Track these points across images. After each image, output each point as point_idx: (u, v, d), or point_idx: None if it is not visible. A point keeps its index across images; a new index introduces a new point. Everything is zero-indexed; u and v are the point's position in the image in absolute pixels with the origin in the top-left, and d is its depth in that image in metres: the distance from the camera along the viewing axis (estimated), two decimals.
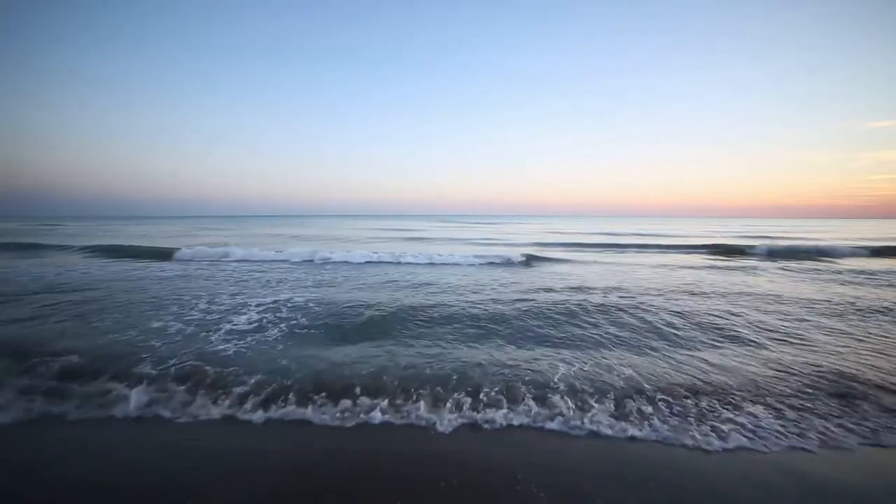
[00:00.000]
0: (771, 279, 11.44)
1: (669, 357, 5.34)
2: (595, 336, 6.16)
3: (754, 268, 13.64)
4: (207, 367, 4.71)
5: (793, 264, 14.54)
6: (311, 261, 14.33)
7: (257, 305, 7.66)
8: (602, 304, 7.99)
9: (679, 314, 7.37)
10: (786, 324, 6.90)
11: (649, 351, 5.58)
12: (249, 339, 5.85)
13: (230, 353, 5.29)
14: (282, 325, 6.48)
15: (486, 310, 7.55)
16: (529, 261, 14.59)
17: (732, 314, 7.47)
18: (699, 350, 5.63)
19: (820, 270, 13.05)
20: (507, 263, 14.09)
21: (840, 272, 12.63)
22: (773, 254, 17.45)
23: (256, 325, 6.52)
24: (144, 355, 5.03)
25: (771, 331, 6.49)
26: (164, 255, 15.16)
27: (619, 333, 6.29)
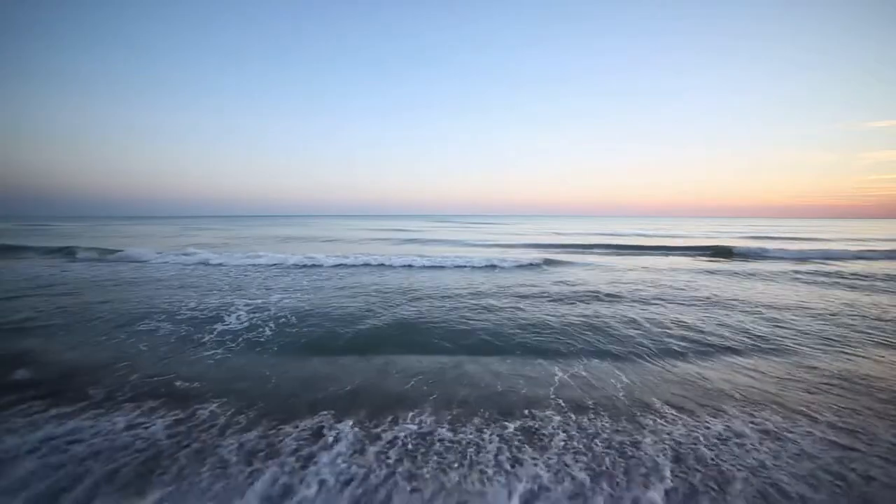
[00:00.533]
0: (789, 286, 11.03)
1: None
2: (594, 348, 5.70)
3: (763, 272, 13.25)
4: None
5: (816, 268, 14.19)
6: (304, 265, 13.71)
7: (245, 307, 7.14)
8: (604, 314, 7.57)
9: (718, 323, 6.91)
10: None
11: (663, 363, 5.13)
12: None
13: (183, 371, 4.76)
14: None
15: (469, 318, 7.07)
16: (530, 263, 14.02)
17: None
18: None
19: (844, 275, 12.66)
20: (504, 266, 13.51)
21: (848, 276, 12.25)
22: (786, 258, 16.91)
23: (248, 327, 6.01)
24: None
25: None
26: (135, 258, 14.43)
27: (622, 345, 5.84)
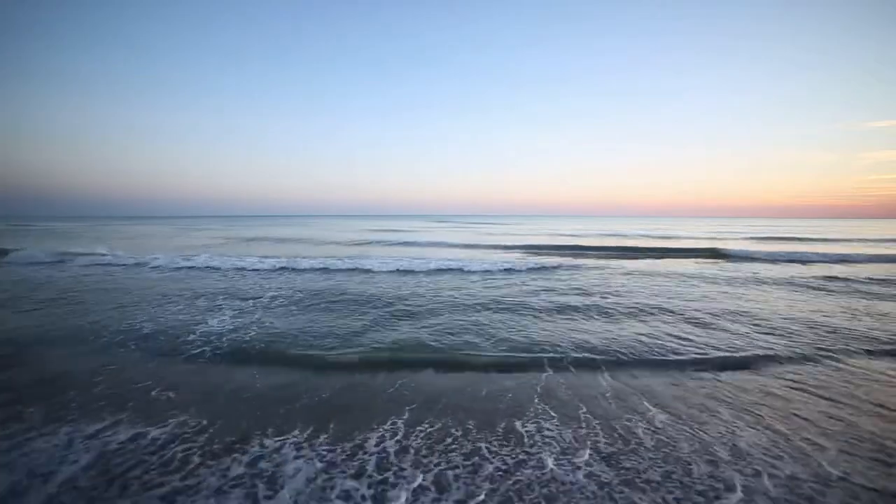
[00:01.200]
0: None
1: None
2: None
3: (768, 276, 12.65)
4: None
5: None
6: (276, 268, 13.05)
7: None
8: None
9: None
10: None
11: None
12: None
13: None
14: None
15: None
16: (512, 268, 13.20)
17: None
18: None
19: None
20: (494, 269, 12.86)
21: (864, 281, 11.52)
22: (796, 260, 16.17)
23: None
24: None
25: None
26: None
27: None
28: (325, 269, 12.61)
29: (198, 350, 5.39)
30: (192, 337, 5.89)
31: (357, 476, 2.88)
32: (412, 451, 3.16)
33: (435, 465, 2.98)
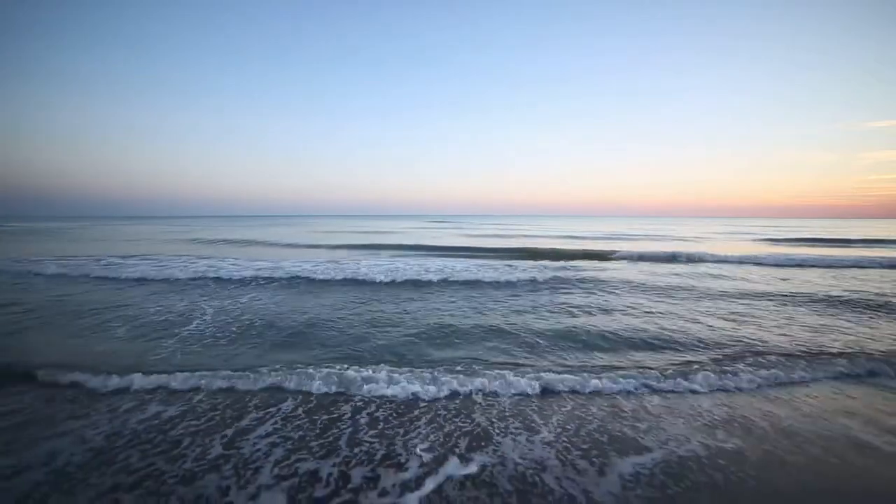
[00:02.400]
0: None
1: None
2: None
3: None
4: None
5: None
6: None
7: None
8: None
9: None
10: None
11: None
12: None
13: None
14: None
15: None
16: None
17: None
18: None
19: None
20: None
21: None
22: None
23: None
24: None
25: None
26: None
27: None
28: (220, 278, 10.95)
29: None
30: None
31: None
32: None
33: None
